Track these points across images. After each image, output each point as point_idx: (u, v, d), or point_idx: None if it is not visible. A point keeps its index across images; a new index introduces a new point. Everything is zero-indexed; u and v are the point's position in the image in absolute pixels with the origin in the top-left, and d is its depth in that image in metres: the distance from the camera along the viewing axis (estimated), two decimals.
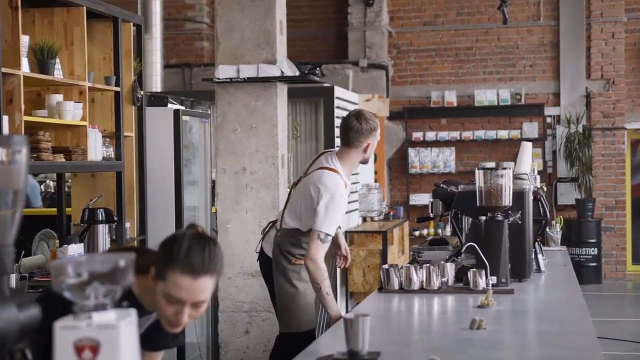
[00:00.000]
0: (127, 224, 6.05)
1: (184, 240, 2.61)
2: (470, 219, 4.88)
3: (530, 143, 6.09)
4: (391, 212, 11.08)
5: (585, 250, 13.00)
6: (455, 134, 13.58)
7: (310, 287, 4.95)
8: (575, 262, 12.98)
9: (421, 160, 13.67)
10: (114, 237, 5.84)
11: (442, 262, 4.69)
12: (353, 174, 9.03)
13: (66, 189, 6.09)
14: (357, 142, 4.95)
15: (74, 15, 5.32)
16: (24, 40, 4.80)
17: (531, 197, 5.01)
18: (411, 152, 13.69)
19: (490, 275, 4.59)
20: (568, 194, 13.37)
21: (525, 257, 4.88)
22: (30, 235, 6.22)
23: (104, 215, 5.63)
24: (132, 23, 6.12)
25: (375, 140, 4.99)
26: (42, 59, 4.95)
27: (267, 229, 5.26)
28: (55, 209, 5.96)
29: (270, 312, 6.32)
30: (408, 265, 4.64)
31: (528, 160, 5.91)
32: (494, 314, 3.89)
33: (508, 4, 11.24)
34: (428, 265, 4.61)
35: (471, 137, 13.53)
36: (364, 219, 10.59)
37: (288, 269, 5.00)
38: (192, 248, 2.59)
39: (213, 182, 7.17)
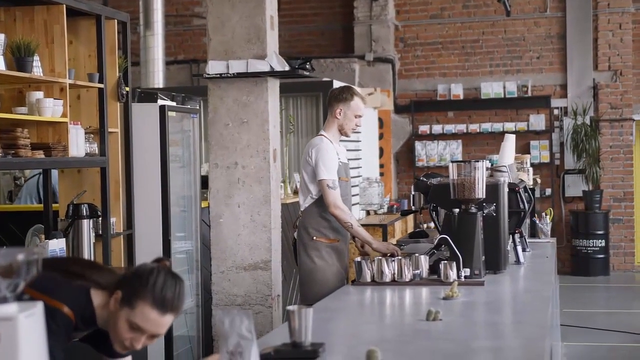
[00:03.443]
0: (114, 219, 6.10)
1: (159, 276, 2.74)
2: (444, 212, 4.90)
3: (514, 135, 6.11)
4: (394, 206, 11.09)
5: (593, 242, 12.97)
6: (462, 127, 13.57)
7: (331, 266, 5.50)
8: (583, 254, 12.98)
9: (428, 153, 13.67)
10: (100, 231, 5.90)
11: (417, 255, 4.71)
12: (354, 167, 9.10)
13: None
14: (331, 106, 5.68)
15: (54, 13, 5.38)
16: (0, 38, 4.86)
17: (506, 189, 5.02)
18: (418, 145, 13.69)
19: (464, 267, 4.62)
20: (575, 186, 13.33)
21: (500, 249, 4.89)
22: (25, 230, 6.32)
23: (88, 210, 5.70)
24: (116, 20, 6.16)
25: (349, 111, 5.61)
26: (19, 57, 5.01)
27: (295, 221, 5.85)
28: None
29: (264, 305, 6.37)
30: (380, 257, 4.66)
31: (511, 152, 5.94)
32: (456, 305, 3.91)
33: None
34: (400, 257, 4.64)
35: (478, 130, 13.52)
36: (367, 213, 10.62)
37: (309, 245, 5.55)
38: (166, 285, 2.73)
39: (202, 177, 7.21)
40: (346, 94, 5.67)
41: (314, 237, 5.57)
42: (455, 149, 13.60)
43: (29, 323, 1.92)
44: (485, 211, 4.82)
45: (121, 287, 2.77)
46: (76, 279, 2.85)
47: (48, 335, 2.49)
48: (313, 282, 5.54)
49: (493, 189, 4.87)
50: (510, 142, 5.94)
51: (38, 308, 1.97)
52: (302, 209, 5.70)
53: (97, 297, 2.83)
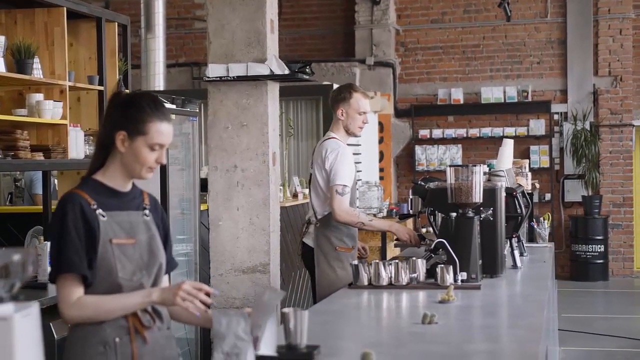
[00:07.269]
0: None
1: (143, 97, 3.07)
2: (442, 216, 4.92)
3: (512, 140, 6.13)
4: (394, 210, 11.09)
5: (592, 247, 12.98)
6: (462, 132, 13.60)
7: (348, 274, 5.25)
8: (582, 259, 13.00)
9: (428, 157, 13.70)
10: None
11: (414, 258, 4.73)
12: (357, 170, 9.10)
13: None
14: (333, 107, 5.64)
15: (55, 15, 5.41)
16: (0, 40, 4.89)
17: (503, 194, 5.03)
18: (418, 149, 13.71)
19: (461, 271, 4.63)
20: (575, 191, 13.36)
21: (497, 254, 4.90)
22: (25, 232, 6.33)
23: None
24: (116, 23, 6.18)
25: (350, 110, 5.56)
26: (19, 59, 5.04)
27: (303, 228, 5.73)
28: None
29: None
30: (377, 261, 4.68)
31: (509, 157, 5.95)
32: (452, 309, 3.93)
33: (509, 1, 11.22)
34: (397, 261, 4.66)
35: (478, 135, 13.54)
36: None
37: (331, 256, 5.46)
38: (156, 101, 3.07)
39: (202, 180, 7.23)
40: (344, 92, 5.59)
41: (337, 247, 5.48)
42: (455, 153, 13.63)
43: (25, 323, 1.93)
44: (482, 215, 4.83)
45: (119, 128, 3.01)
46: None
47: (61, 219, 2.95)
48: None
49: (490, 193, 4.88)
50: (508, 147, 5.96)
51: (34, 308, 1.99)
52: (319, 216, 5.57)
53: (98, 175, 3.08)
